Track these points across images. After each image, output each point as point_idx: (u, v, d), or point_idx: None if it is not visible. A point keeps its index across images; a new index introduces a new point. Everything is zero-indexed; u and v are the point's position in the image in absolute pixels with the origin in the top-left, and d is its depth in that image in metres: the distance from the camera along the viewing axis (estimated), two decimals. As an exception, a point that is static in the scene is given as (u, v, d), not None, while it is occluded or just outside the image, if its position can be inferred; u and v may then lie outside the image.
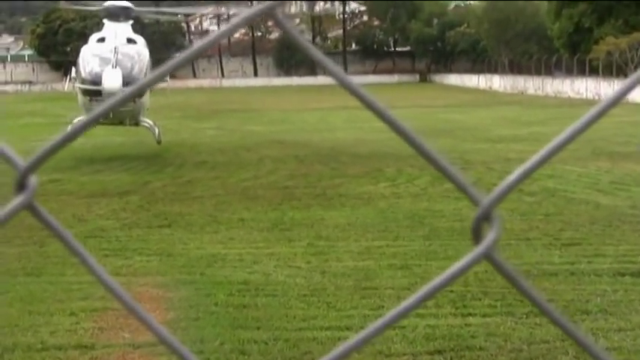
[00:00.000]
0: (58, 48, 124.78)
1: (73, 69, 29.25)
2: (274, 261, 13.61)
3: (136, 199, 20.10)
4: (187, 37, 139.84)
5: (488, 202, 1.17)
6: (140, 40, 29.40)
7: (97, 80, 25.76)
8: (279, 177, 23.67)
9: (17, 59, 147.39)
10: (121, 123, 28.36)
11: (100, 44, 27.82)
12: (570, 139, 1.14)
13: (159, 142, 28.06)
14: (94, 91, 26.14)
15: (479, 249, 1.15)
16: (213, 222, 17.11)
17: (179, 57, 1.17)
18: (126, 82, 25.67)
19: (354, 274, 12.32)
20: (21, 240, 15.50)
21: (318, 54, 1.16)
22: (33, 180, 1.15)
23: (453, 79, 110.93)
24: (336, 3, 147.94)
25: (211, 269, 13.16)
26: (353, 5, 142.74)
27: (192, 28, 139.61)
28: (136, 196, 20.56)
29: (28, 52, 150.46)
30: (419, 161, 24.52)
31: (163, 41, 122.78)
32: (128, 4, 29.55)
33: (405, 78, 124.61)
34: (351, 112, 51.72)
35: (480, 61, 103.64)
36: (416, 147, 1.14)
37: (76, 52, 30.69)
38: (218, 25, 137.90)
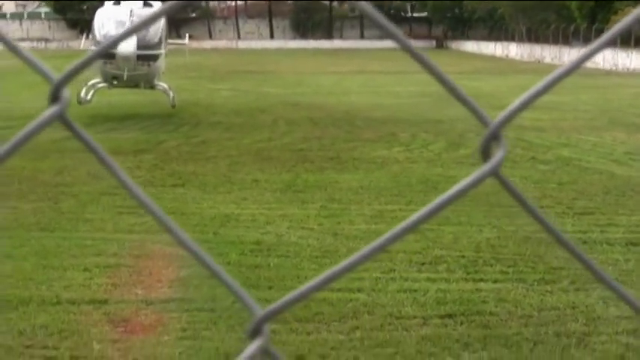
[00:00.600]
0: (74, 6, 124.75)
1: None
2: (287, 222, 13.65)
3: (150, 158, 20.14)
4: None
5: (496, 123, 1.22)
6: (157, 3, 29.19)
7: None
8: (294, 139, 23.67)
9: (33, 16, 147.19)
10: (136, 86, 28.26)
11: (116, 7, 27.62)
12: (575, 67, 1.20)
13: (173, 106, 27.90)
14: (108, 54, 26.01)
15: (487, 166, 1.22)
16: (227, 182, 17.15)
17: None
18: (141, 45, 25.59)
19: (367, 237, 12.34)
20: (36, 195, 15.61)
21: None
22: (65, 93, 1.18)
23: (470, 46, 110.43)
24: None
25: (224, 229, 13.22)
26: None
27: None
28: (150, 155, 20.61)
29: (44, 9, 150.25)
30: (434, 127, 24.56)
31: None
32: None
33: (422, 44, 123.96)
34: (367, 76, 51.67)
35: (497, 28, 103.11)
36: (425, 65, 1.17)
37: (92, 11, 30.60)
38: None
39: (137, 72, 26.52)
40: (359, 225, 13.49)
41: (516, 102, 1.18)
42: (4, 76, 45.49)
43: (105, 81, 27.37)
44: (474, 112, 1.20)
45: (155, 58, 26.85)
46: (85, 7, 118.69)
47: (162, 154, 20.89)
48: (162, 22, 27.50)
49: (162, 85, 28.19)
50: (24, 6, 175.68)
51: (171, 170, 18.43)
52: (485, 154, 1.23)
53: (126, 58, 25.46)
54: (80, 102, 26.32)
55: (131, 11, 25.98)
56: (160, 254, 11.50)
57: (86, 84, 27.30)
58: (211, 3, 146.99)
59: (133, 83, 27.58)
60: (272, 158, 20.24)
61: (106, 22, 26.46)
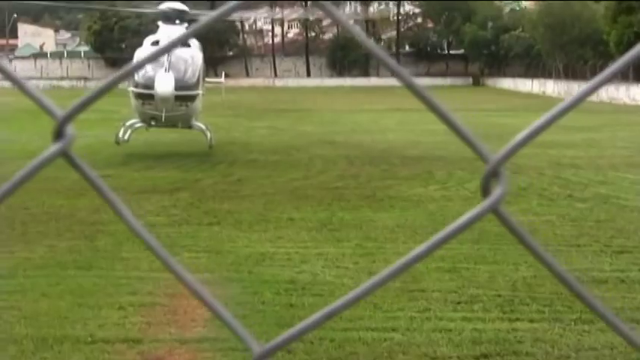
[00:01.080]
0: (113, 45, 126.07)
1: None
2: (322, 261, 13.62)
3: (187, 196, 20.21)
4: (241, 36, 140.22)
5: (496, 159, 1.20)
6: (194, 43, 29.39)
7: (149, 84, 25.76)
8: (330, 177, 23.67)
9: (73, 55, 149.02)
10: (174, 126, 28.41)
11: (154, 47, 27.85)
12: (578, 101, 1.24)
13: (210, 147, 27.91)
14: (146, 95, 26.19)
15: (486, 202, 1.22)
16: (263, 220, 17.15)
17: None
18: (179, 86, 25.73)
19: (402, 276, 12.25)
20: (72, 234, 15.70)
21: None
22: (70, 129, 1.20)
23: (506, 83, 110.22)
24: (391, 4, 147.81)
25: (259, 267, 13.20)
26: (407, 7, 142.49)
27: (247, 27, 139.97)
28: (186, 193, 20.68)
29: (84, 48, 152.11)
30: (470, 165, 24.43)
31: (218, 40, 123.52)
32: (183, 7, 29.58)
33: (458, 81, 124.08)
34: (403, 114, 51.60)
35: (533, 65, 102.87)
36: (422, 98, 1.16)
37: (131, 50, 30.89)
38: (272, 25, 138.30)
39: (175, 112, 26.64)
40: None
41: (517, 138, 1.19)
42: (43, 114, 45.81)
43: (143, 121, 27.56)
44: (473, 147, 1.20)
45: (193, 98, 26.98)
46: (123, 45, 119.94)
47: (199, 192, 20.95)
48: (199, 63, 27.66)
49: (200, 125, 28.28)
50: (64, 45, 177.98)
51: (207, 208, 18.47)
52: (486, 190, 1.23)
53: (164, 99, 25.62)
54: (118, 142, 26.52)
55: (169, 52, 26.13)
56: (195, 293, 11.49)
57: (124, 124, 27.50)
58: (248, 41, 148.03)
59: (170, 123, 27.71)
60: (308, 196, 20.23)
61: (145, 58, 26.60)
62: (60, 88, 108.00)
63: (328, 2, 1.20)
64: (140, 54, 27.56)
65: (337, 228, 16.43)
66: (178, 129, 29.39)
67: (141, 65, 1.27)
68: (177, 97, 25.98)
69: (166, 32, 28.60)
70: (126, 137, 27.46)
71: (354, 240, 15.26)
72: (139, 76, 26.47)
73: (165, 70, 25.66)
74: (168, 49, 1.27)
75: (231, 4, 1.16)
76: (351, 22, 1.27)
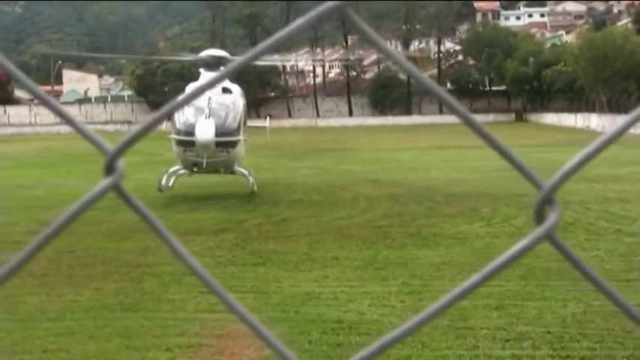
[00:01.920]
0: (156, 88, 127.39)
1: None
2: (368, 300, 13.56)
3: (231, 237, 20.24)
4: (283, 77, 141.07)
5: (549, 186, 1.23)
6: (236, 89, 29.55)
7: (190, 131, 25.87)
8: (374, 216, 23.63)
9: (117, 100, 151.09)
10: (216, 172, 28.46)
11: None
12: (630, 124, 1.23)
13: (253, 192, 27.84)
14: (187, 142, 26.30)
15: (540, 229, 1.24)
16: (308, 260, 17.13)
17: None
18: (219, 132, 25.82)
19: (449, 314, 12.18)
20: (119, 276, 15.78)
21: (390, 49, 1.19)
22: (120, 164, 1.23)
23: (550, 118, 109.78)
24: (431, 42, 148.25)
25: (305, 307, 13.17)
26: (448, 45, 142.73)
27: (288, 68, 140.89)
28: (231, 234, 20.72)
29: (127, 92, 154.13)
30: (515, 201, 24.29)
31: (260, 81, 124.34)
32: (223, 53, 29.77)
33: (501, 117, 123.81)
34: (447, 151, 51.52)
35: (577, 99, 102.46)
36: (481, 134, 1.15)
37: (174, 93, 31.15)
38: (313, 65, 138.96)
39: (216, 159, 26.70)
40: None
41: (567, 166, 1.19)
42: (90, 158, 46.35)
43: (185, 168, 27.69)
44: (527, 176, 1.21)
45: (234, 144, 27.03)
46: (166, 89, 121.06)
47: (243, 233, 20.99)
48: (240, 109, 27.76)
49: (242, 170, 28.24)
50: (108, 90, 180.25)
51: (252, 249, 18.48)
52: (539, 217, 1.25)
53: (205, 146, 25.72)
54: (161, 189, 26.61)
55: (209, 98, 26.23)
56: (242, 334, 11.47)
57: (166, 171, 27.63)
58: (290, 82, 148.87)
59: (212, 169, 27.79)
60: (352, 235, 20.19)
61: (185, 109, 26.70)
62: (104, 132, 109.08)
63: (377, 36, 1.21)
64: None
65: (383, 266, 16.37)
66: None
67: (187, 101, 1.28)
68: (219, 144, 26.03)
69: (207, 78, 28.69)
70: (169, 184, 27.58)
71: (400, 278, 15.19)
72: (180, 123, 26.63)
73: (206, 116, 25.76)
74: (204, 88, 1.28)
75: (262, 46, 1.18)
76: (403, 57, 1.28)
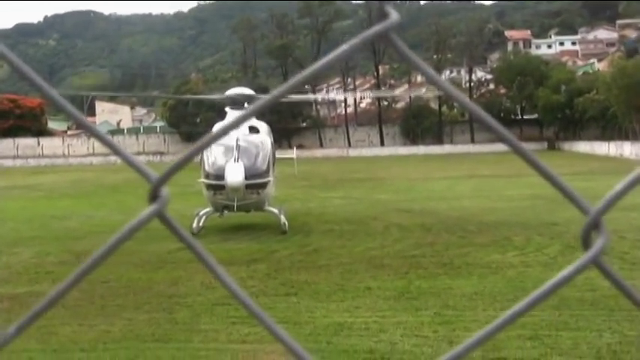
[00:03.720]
0: (188, 119, 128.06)
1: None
2: (401, 330, 13.49)
3: (263, 268, 20.25)
4: (314, 107, 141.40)
5: (596, 211, 1.24)
6: (263, 128, 29.53)
7: (219, 174, 25.71)
8: (406, 245, 23.56)
9: (149, 131, 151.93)
10: (247, 212, 28.32)
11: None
12: None
13: (284, 232, 27.04)
14: (217, 186, 26.19)
15: (588, 254, 1.26)
16: (340, 290, 17.09)
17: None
18: (249, 175, 25.75)
19: (483, 345, 12.10)
20: (150, 306, 15.81)
21: (433, 73, 1.19)
22: (165, 191, 1.27)
23: (582, 146, 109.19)
24: (462, 71, 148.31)
25: (337, 338, 13.12)
26: (479, 73, 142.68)
27: (319, 99, 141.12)
28: (263, 265, 20.72)
29: (159, 123, 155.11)
30: (548, 230, 24.14)
31: (291, 111, 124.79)
32: (249, 91, 29.83)
33: (533, 146, 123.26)
34: (479, 180, 51.36)
35: (609, 127, 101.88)
36: (529, 161, 1.17)
37: (206, 124, 31.29)
38: (345, 95, 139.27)
39: (247, 201, 26.61)
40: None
41: (613, 191, 1.19)
42: (122, 189, 46.69)
43: (216, 210, 27.64)
44: (574, 201, 1.21)
45: (264, 185, 26.91)
46: (198, 120, 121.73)
47: (275, 263, 20.99)
48: (269, 148, 27.64)
49: (273, 210, 27.98)
50: (140, 121, 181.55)
51: (284, 279, 18.47)
52: (586, 242, 1.27)
53: (235, 189, 25.65)
54: (194, 233, 26.28)
55: (237, 139, 26.20)
56: (274, 364, 11.46)
57: (197, 214, 27.58)
58: (322, 112, 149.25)
59: (243, 210, 27.68)
60: (384, 265, 20.14)
61: (214, 150, 26.68)
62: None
63: (420, 60, 1.22)
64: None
65: (415, 296, 16.30)
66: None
67: (220, 135, 1.29)
68: (249, 186, 25.91)
69: (234, 117, 28.73)
70: (200, 224, 27.50)
71: (433, 308, 15.11)
72: (208, 166, 26.59)
73: (235, 159, 25.65)
74: (234, 125, 1.30)
75: (289, 83, 1.20)
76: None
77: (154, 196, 1.26)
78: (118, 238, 1.24)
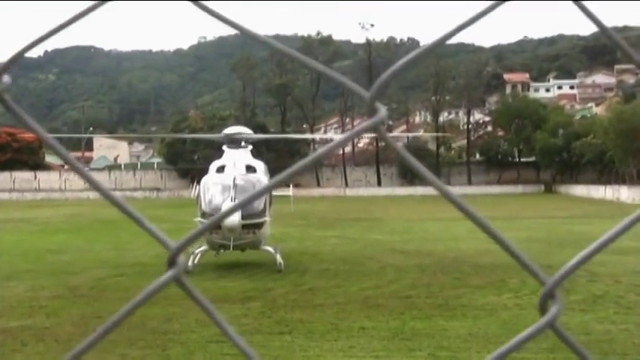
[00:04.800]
0: (185, 156, 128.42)
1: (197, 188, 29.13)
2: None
3: (258, 306, 20.21)
4: (312, 146, 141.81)
5: (552, 282, 1.41)
6: (260, 167, 29.60)
7: (216, 214, 25.73)
8: (401, 286, 23.53)
9: (146, 167, 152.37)
10: (243, 250, 28.35)
11: (220, 174, 28.10)
12: (620, 232, 1.40)
13: (279, 271, 26.93)
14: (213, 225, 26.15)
15: (544, 319, 1.40)
16: (334, 330, 17.05)
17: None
18: (245, 215, 25.79)
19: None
20: (144, 342, 15.78)
21: (419, 166, 1.29)
22: (182, 259, 1.38)
23: (579, 190, 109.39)
24: (461, 113, 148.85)
25: (331, 378, 13.07)
26: (477, 116, 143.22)
27: (317, 138, 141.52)
28: (257, 303, 20.69)
29: (156, 159, 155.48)
30: (544, 272, 23.97)
31: (288, 150, 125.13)
32: (246, 130, 29.91)
33: (530, 189, 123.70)
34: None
35: (606, 171, 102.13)
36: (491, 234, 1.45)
37: (203, 161, 31.33)
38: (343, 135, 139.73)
39: (243, 240, 26.67)
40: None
41: (572, 262, 1.34)
42: (117, 224, 46.65)
43: (212, 249, 27.65)
44: (529, 270, 1.34)
45: (260, 225, 26.94)
46: (195, 157, 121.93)
47: (270, 301, 20.95)
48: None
49: (269, 249, 27.95)
50: (138, 157, 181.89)
51: (279, 318, 18.43)
52: (543, 308, 1.41)
53: (231, 229, 25.69)
54: (188, 271, 26.10)
55: (234, 179, 26.32)
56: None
57: (193, 252, 27.51)
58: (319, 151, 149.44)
59: (239, 249, 27.75)
60: (379, 305, 20.11)
61: (211, 189, 26.86)
62: (134, 199, 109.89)
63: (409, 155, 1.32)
64: (206, 181, 27.80)
65: (409, 337, 16.27)
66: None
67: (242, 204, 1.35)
68: (245, 226, 25.99)
69: (231, 156, 28.97)
70: (196, 262, 27.46)
71: (427, 349, 15.08)
72: (206, 205, 26.66)
73: (232, 199, 25.72)
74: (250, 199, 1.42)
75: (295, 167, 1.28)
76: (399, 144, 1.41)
77: (171, 262, 1.38)
78: (135, 302, 1.33)
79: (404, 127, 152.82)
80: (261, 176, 28.43)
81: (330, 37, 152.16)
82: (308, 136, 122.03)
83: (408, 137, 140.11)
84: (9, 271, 27.40)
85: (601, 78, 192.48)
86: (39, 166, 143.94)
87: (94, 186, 1.33)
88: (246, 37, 1.28)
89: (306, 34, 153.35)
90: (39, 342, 15.67)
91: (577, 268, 1.28)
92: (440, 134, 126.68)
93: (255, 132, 32.20)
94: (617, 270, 25.26)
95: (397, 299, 21.11)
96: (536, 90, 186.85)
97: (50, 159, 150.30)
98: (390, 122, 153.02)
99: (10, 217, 65.03)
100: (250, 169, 28.71)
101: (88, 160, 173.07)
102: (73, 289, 22.76)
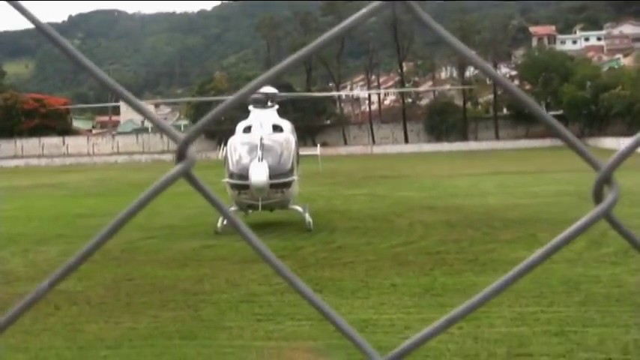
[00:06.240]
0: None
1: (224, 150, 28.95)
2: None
3: (288, 265, 20.02)
4: (338, 104, 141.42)
5: (607, 167, 1.31)
6: (286, 126, 29.42)
7: (244, 174, 25.60)
8: (431, 242, 23.50)
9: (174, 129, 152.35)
10: (272, 211, 28.32)
11: (246, 134, 28.08)
12: None
13: (309, 230, 27.05)
14: (241, 185, 26.10)
15: (599, 208, 1.31)
16: (365, 287, 17.08)
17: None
18: (273, 174, 25.68)
19: (508, 341, 12.07)
20: (176, 304, 15.86)
21: (453, 39, 1.22)
22: (192, 150, 1.30)
23: (608, 142, 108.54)
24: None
25: (363, 334, 13.01)
26: (504, 70, 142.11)
27: (343, 96, 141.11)
28: (288, 262, 20.70)
29: (184, 122, 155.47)
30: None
31: (315, 109, 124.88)
32: (272, 89, 29.69)
33: (558, 142, 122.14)
34: (504, 177, 51.14)
35: (635, 123, 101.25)
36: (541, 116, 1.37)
37: (230, 122, 31.17)
38: (368, 92, 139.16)
39: (271, 200, 26.56)
40: (499, 328, 13.18)
41: (624, 146, 1.23)
42: (146, 187, 46.82)
43: (240, 209, 27.54)
44: (583, 156, 1.26)
45: (288, 184, 26.80)
46: (222, 118, 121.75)
47: (300, 260, 20.99)
48: (293, 147, 27.49)
49: (297, 208, 27.88)
50: (165, 119, 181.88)
51: (309, 276, 18.44)
52: (598, 197, 1.32)
53: (259, 189, 25.54)
54: (218, 232, 26.09)
55: (261, 139, 26.16)
56: (299, 361, 11.46)
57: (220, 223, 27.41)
58: (346, 109, 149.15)
59: (268, 210, 27.71)
60: (409, 262, 20.10)
61: (238, 149, 26.73)
62: (161, 162, 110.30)
63: (448, 34, 1.25)
64: (233, 142, 27.64)
65: (440, 293, 16.27)
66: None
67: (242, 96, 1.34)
68: (273, 185, 25.80)
69: (257, 116, 28.84)
70: (225, 223, 27.36)
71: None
72: (233, 166, 26.50)
73: (259, 159, 25.56)
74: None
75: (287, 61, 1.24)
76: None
77: (180, 156, 1.30)
78: (145, 197, 1.29)
79: (430, 82, 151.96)
80: (288, 135, 28.32)
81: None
82: (333, 93, 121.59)
83: (434, 93, 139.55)
84: (40, 235, 27.61)
85: (629, 28, 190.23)
86: (67, 131, 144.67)
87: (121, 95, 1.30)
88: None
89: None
90: (72, 305, 15.80)
91: (634, 150, 1.23)
92: (466, 86, 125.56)
93: (281, 91, 32.02)
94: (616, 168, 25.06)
95: (427, 255, 21.10)
96: (563, 42, 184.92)
97: (78, 124, 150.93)
98: (416, 78, 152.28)
99: (40, 183, 65.46)
100: (277, 128, 28.62)
101: (116, 124, 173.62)
102: (104, 252, 22.88)
